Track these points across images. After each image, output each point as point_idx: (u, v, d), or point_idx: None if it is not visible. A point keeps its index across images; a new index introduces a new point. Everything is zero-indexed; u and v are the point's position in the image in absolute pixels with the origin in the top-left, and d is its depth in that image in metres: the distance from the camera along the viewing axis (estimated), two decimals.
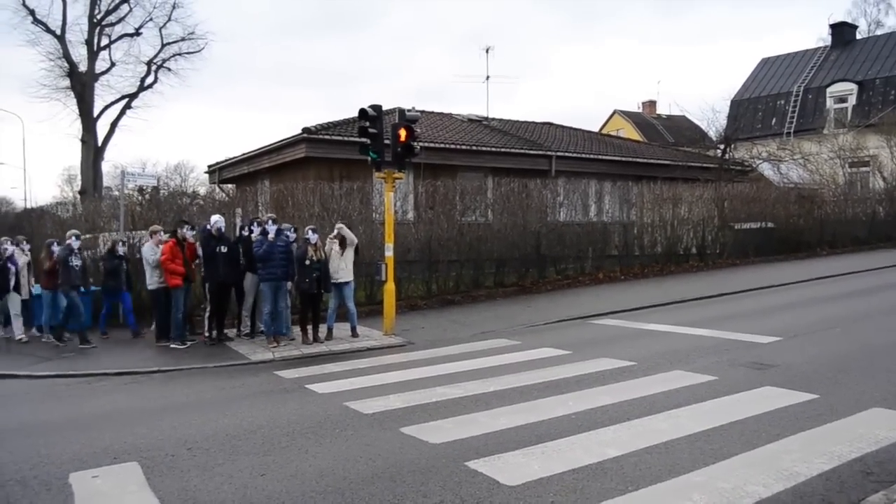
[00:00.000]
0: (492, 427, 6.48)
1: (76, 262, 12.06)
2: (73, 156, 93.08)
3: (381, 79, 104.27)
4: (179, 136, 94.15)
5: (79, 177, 36.54)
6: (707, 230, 21.90)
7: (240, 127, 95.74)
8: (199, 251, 12.13)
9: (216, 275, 11.87)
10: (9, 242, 12.90)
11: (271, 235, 11.38)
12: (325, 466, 5.66)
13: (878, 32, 42.35)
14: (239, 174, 24.03)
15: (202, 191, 31.89)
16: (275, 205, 16.56)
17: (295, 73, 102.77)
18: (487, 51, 31.65)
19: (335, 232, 12.09)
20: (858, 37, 39.00)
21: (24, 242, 13.36)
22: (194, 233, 12.22)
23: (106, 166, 35.93)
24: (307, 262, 11.45)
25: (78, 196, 30.37)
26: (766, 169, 29.52)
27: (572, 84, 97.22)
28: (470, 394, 7.85)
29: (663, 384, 7.87)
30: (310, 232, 11.63)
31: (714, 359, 9.08)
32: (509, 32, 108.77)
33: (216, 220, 12.10)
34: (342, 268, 11.98)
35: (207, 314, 12.19)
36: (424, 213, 17.01)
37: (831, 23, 38.27)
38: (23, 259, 12.92)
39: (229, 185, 25.72)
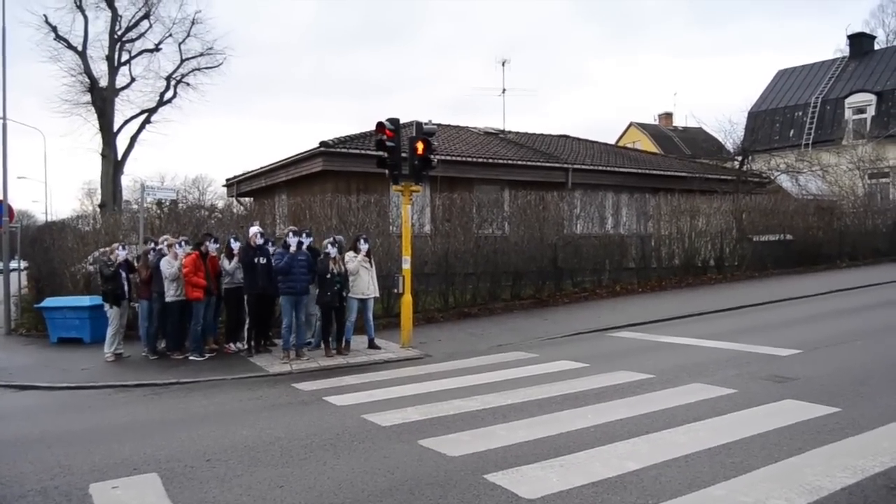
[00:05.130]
0: (510, 440, 6.46)
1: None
2: (93, 170, 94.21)
3: (417, 90, 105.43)
4: (198, 150, 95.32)
5: (99, 190, 36.93)
6: (725, 242, 21.78)
7: (269, 139, 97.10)
8: (226, 264, 12.17)
9: (255, 286, 11.90)
10: (121, 247, 12.49)
11: (293, 248, 11.32)
12: (343, 479, 5.66)
13: None
14: (257, 187, 24.21)
15: (220, 204, 32.16)
16: (292, 218, 16.65)
17: (331, 85, 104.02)
18: (503, 64, 31.68)
19: (364, 248, 12.11)
20: (877, 47, 38.73)
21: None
22: (217, 246, 12.24)
23: (125, 180, 36.45)
24: (328, 276, 11.42)
25: (98, 209, 30.70)
26: (785, 181, 29.33)
27: (599, 97, 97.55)
28: (488, 406, 7.83)
29: (682, 397, 7.81)
30: (329, 246, 11.58)
31: (733, 371, 9.00)
32: (550, 45, 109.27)
33: (255, 231, 12.15)
34: (372, 284, 12.23)
35: (247, 326, 12.34)
36: (441, 225, 17.03)
37: (849, 34, 38.09)
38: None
39: (247, 199, 25.91)
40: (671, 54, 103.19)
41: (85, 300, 14.11)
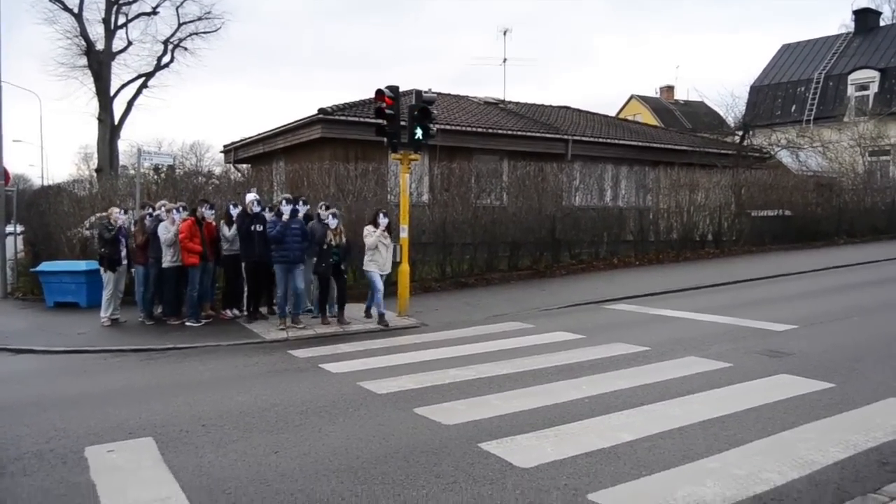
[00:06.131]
0: (505, 409, 6.48)
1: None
2: (89, 134, 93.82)
3: (419, 63, 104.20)
4: (196, 116, 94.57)
5: (95, 155, 36.73)
6: (724, 217, 21.76)
7: (269, 107, 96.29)
8: (226, 231, 12.07)
9: (252, 254, 11.78)
10: (121, 212, 12.44)
11: (286, 216, 11.12)
12: (338, 445, 5.68)
13: None
14: (254, 154, 24.05)
15: (218, 170, 31.97)
16: (290, 185, 16.58)
17: (333, 56, 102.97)
18: (505, 33, 31.70)
19: (384, 222, 11.63)
20: (882, 23, 38.36)
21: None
22: (213, 212, 12.11)
23: (122, 145, 36.03)
24: (325, 247, 11.19)
25: (94, 174, 30.51)
26: (785, 156, 29.23)
27: (602, 71, 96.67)
28: (483, 376, 7.85)
29: (677, 370, 7.84)
30: (330, 217, 11.31)
31: (729, 346, 9.02)
32: (556, 19, 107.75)
33: (251, 198, 11.96)
34: (389, 260, 11.86)
35: (245, 293, 12.30)
36: (439, 195, 16.97)
37: (854, 9, 37.72)
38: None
39: (245, 165, 25.76)
40: (677, 30, 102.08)
41: (81, 265, 14.07)
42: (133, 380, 8.48)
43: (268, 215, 11.84)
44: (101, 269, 12.14)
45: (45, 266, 14.53)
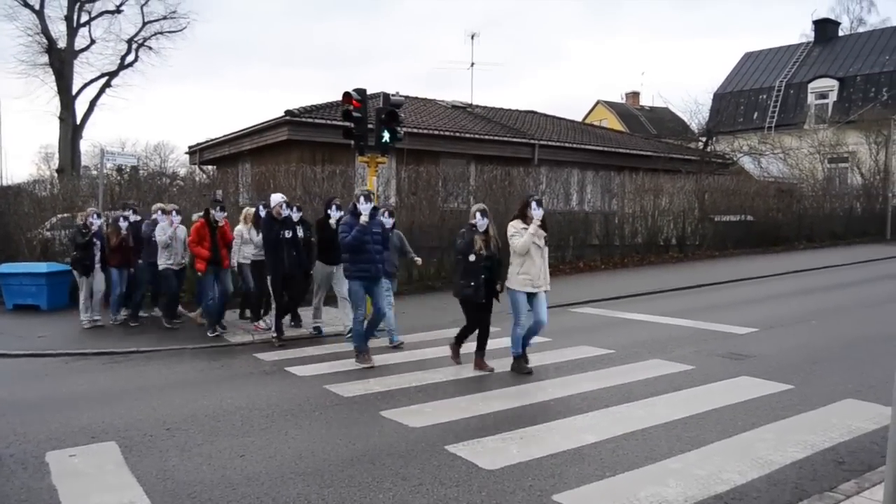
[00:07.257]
0: (471, 412, 6.52)
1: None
2: (50, 133, 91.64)
3: (392, 62, 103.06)
4: (162, 116, 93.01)
5: (56, 155, 35.96)
6: (687, 222, 22.11)
7: (238, 108, 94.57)
8: (253, 236, 11.34)
9: (280, 266, 9.94)
10: (95, 215, 11.84)
11: (364, 217, 8.54)
12: (304, 448, 5.67)
13: (861, 30, 42.72)
14: (220, 156, 23.84)
15: (182, 172, 31.59)
16: (256, 187, 16.46)
17: (304, 55, 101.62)
18: (473, 37, 31.66)
19: (538, 214, 7.94)
20: (841, 34, 39.32)
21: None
22: (225, 214, 11.10)
23: (84, 145, 35.47)
24: (472, 258, 8.06)
25: (56, 174, 29.92)
26: (747, 162, 29.75)
27: (572, 74, 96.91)
28: (449, 379, 7.89)
29: (641, 372, 7.95)
30: (478, 215, 8.15)
31: (692, 348, 9.17)
32: (529, 21, 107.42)
33: (278, 199, 10.17)
34: (545, 272, 8.22)
35: (274, 312, 10.43)
36: (407, 198, 16.99)
37: (815, 19, 38.58)
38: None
39: (210, 167, 25.51)
40: (645, 34, 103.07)
41: (42, 266, 13.80)
42: (95, 383, 8.34)
43: (286, 212, 10.20)
44: (76, 273, 11.92)
45: (4, 268, 14.22)
